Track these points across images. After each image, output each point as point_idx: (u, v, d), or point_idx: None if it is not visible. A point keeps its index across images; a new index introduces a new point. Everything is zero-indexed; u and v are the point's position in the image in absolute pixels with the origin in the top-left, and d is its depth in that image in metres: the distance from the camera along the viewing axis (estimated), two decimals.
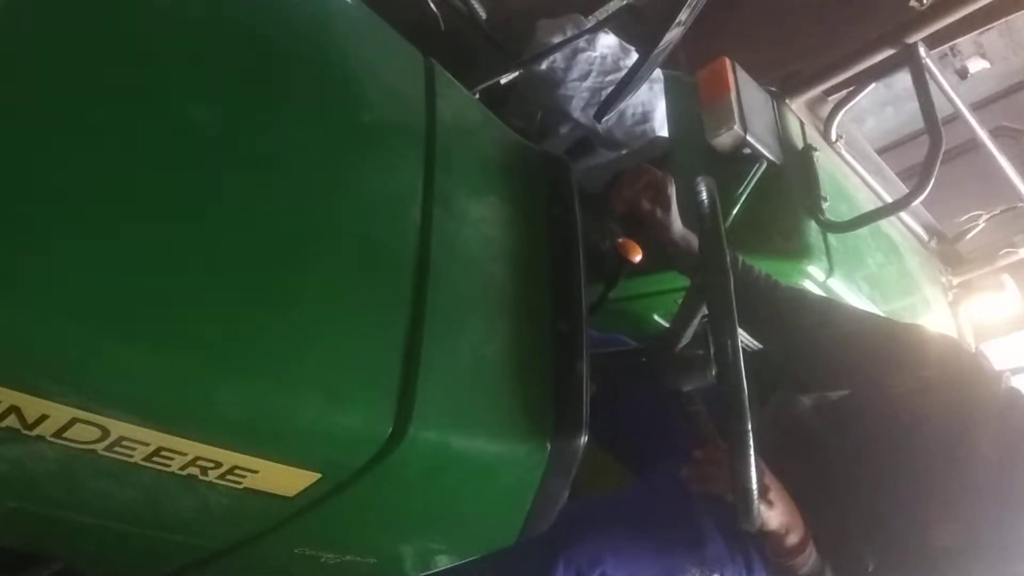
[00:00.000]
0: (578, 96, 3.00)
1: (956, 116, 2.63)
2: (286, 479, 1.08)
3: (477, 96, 2.01)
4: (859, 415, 1.64)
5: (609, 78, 3.07)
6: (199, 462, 1.02)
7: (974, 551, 1.46)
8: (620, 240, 1.75)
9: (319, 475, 1.08)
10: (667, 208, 1.61)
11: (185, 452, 1.00)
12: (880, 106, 4.48)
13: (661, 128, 3.04)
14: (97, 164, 0.93)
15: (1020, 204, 2.77)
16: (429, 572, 1.43)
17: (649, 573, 1.60)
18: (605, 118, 2.21)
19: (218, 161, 1.03)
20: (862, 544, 1.56)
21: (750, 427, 1.23)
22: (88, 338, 0.87)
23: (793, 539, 1.47)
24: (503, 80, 2.45)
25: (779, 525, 1.44)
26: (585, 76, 3.05)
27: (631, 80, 1.79)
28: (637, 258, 1.73)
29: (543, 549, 1.49)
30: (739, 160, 2.22)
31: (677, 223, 1.63)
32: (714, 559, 1.64)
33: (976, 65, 4.12)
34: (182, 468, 1.02)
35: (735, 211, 2.16)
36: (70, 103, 0.93)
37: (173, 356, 0.92)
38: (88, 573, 1.39)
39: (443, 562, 1.41)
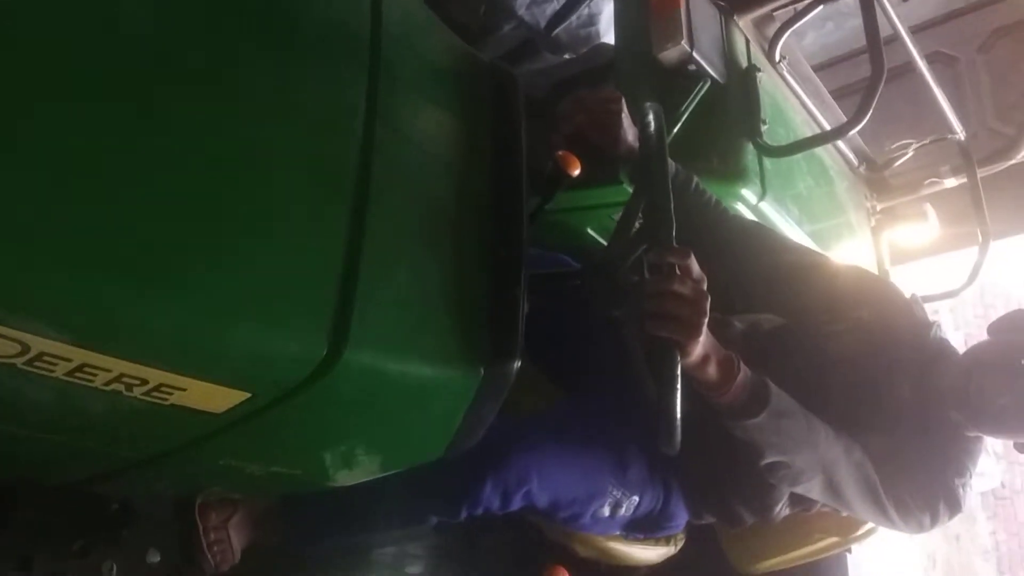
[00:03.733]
0: None
1: (894, 38, 2.62)
2: (214, 397, 1.06)
3: None
4: (788, 347, 1.68)
5: None
6: (124, 379, 0.99)
7: (885, 465, 1.52)
8: (560, 153, 1.72)
9: (248, 394, 1.06)
10: (617, 137, 1.58)
11: (109, 369, 0.97)
12: (821, 20, 4.44)
13: (607, 31, 2.97)
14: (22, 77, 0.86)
15: (949, 136, 2.81)
16: (354, 482, 1.44)
17: (573, 493, 1.64)
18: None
19: (147, 72, 0.96)
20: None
21: (679, 368, 1.24)
22: (8, 254, 0.83)
23: (712, 370, 1.33)
24: None
25: (696, 357, 1.29)
26: None
27: None
28: (576, 172, 1.71)
29: (471, 467, 1.51)
30: (683, 77, 2.19)
31: (627, 140, 1.61)
32: (635, 482, 1.69)
33: None
34: (106, 384, 0.99)
35: (676, 129, 2.14)
36: None
37: (98, 274, 0.88)
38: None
39: (368, 473, 1.42)
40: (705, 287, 1.28)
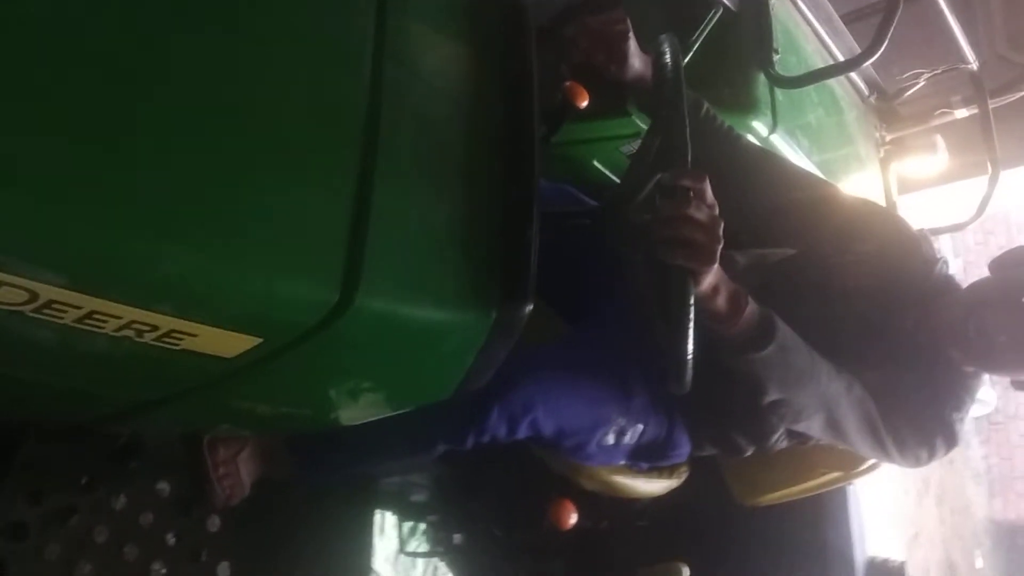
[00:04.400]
0: None
1: None
2: (226, 342, 1.04)
3: None
4: (793, 280, 1.66)
5: None
6: (134, 325, 0.97)
7: (885, 400, 1.53)
8: (567, 84, 1.69)
9: (260, 340, 1.05)
10: (623, 60, 1.54)
11: (119, 316, 0.95)
12: None
13: None
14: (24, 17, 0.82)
15: (961, 65, 2.75)
16: (364, 421, 1.45)
17: (578, 421, 1.65)
18: None
19: (152, 14, 0.92)
20: None
21: (692, 300, 1.22)
22: (18, 202, 0.80)
23: (722, 301, 1.31)
24: None
25: (706, 287, 1.27)
26: None
27: None
28: (584, 104, 1.68)
29: (478, 395, 1.50)
30: (695, 4, 2.13)
31: (634, 66, 1.57)
32: (639, 411, 1.69)
33: None
34: (116, 331, 0.97)
35: (687, 59, 2.09)
36: None
37: (106, 222, 0.86)
38: (7, 416, 1.36)
39: (378, 413, 1.42)
40: (718, 213, 1.24)
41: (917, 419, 1.56)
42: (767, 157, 1.79)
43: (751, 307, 1.34)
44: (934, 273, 1.67)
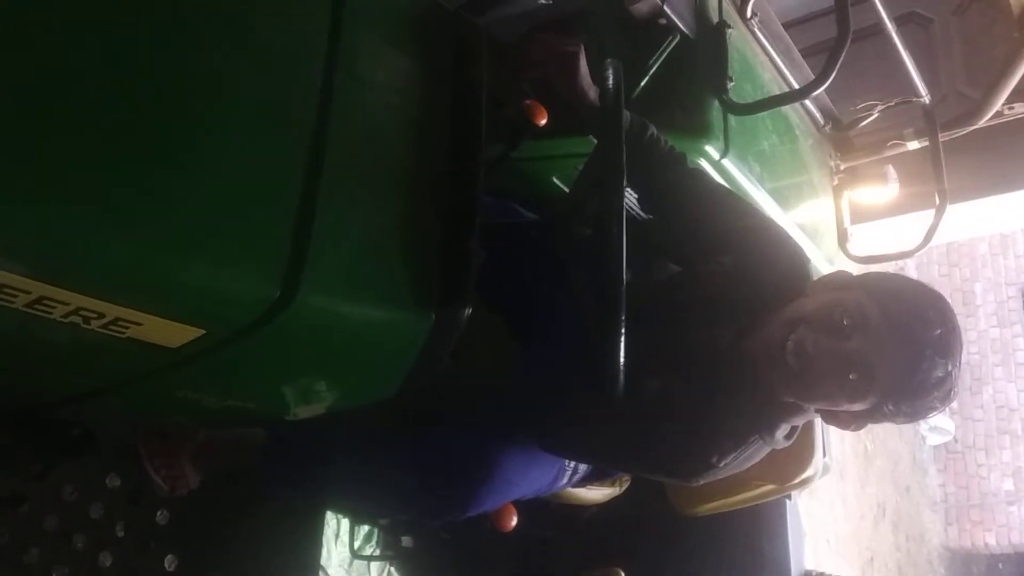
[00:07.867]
0: None
1: None
2: (170, 332, 1.10)
3: None
4: (674, 293, 1.70)
5: None
6: (81, 312, 1.02)
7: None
8: (527, 102, 1.75)
9: (203, 331, 1.10)
10: (572, 75, 1.62)
11: (67, 302, 1.00)
12: None
13: None
14: None
15: (915, 99, 2.84)
16: (307, 416, 1.49)
17: (538, 485, 1.80)
18: None
19: (104, 13, 0.97)
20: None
21: (623, 304, 1.28)
22: None
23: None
24: None
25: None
26: None
27: None
28: (542, 121, 1.74)
29: (451, 502, 1.68)
30: (653, 29, 2.20)
31: (583, 87, 1.64)
32: None
33: None
34: (64, 316, 1.02)
35: (643, 83, 2.16)
36: None
37: (56, 210, 0.91)
38: None
39: (322, 409, 1.47)
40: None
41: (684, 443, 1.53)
42: (709, 183, 1.80)
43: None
44: (796, 271, 1.62)
